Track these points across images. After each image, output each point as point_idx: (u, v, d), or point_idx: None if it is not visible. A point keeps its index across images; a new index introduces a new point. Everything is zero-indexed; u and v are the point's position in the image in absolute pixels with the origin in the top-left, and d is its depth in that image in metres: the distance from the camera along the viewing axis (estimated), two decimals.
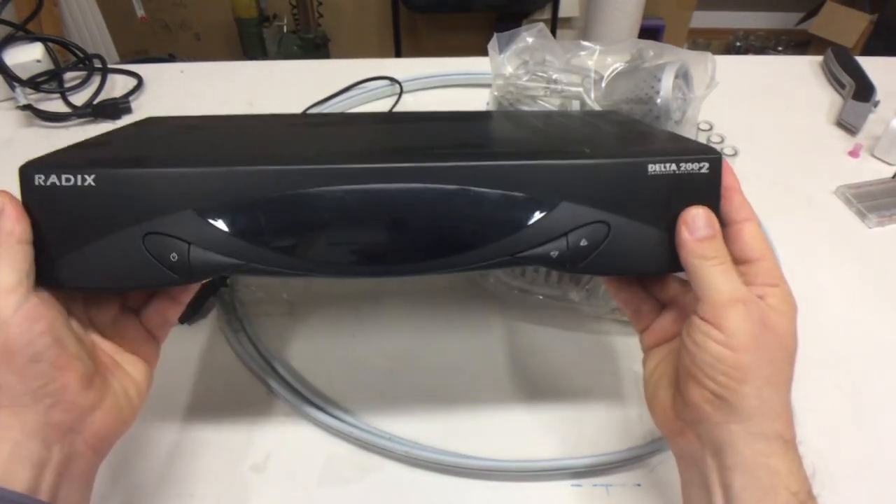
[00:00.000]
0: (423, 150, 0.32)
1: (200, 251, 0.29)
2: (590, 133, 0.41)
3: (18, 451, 0.27)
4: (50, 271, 0.29)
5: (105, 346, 0.32)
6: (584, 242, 0.30)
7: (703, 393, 0.28)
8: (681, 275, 0.31)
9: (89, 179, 0.28)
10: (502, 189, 0.29)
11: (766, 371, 0.27)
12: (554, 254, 0.30)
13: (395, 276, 0.30)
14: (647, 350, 0.35)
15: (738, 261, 0.30)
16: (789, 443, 0.27)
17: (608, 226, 0.30)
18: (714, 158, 0.30)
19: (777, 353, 0.28)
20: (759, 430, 0.27)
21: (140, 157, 0.31)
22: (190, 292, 0.35)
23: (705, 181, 0.30)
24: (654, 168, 0.30)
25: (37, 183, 0.28)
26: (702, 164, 0.30)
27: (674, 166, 0.30)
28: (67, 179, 0.28)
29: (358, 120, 0.51)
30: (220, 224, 0.29)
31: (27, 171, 0.28)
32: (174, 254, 0.29)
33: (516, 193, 0.30)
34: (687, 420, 0.30)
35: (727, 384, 0.27)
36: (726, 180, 0.30)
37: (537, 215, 0.30)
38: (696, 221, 0.29)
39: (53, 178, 0.28)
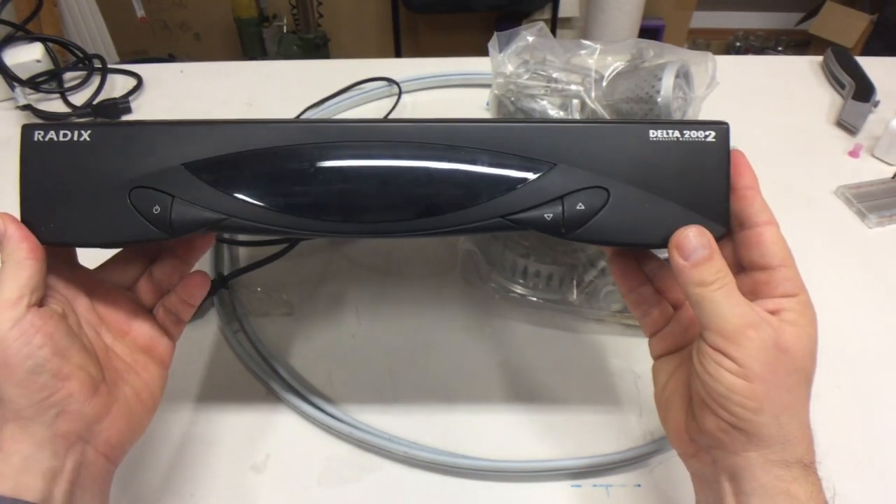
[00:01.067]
0: (415, 119, 0.32)
1: (183, 204, 0.29)
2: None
3: (29, 462, 0.27)
4: (46, 228, 0.29)
5: (118, 348, 0.32)
6: (580, 207, 0.29)
7: (718, 423, 0.27)
8: None
9: (85, 135, 0.29)
10: (496, 150, 0.29)
11: (784, 398, 0.26)
12: (548, 216, 0.29)
13: (382, 236, 0.30)
14: (655, 357, 0.34)
15: (757, 267, 0.28)
16: (809, 467, 0.26)
17: (607, 192, 0.29)
18: (722, 128, 0.29)
19: (793, 377, 0.26)
20: (778, 457, 0.26)
21: (136, 121, 0.32)
22: (200, 293, 0.35)
23: (713, 150, 0.29)
24: (655, 134, 0.29)
25: (35, 139, 0.29)
26: (708, 133, 0.29)
27: (677, 133, 0.29)
28: (65, 135, 0.29)
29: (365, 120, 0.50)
30: (205, 178, 0.29)
31: (28, 129, 0.29)
32: (157, 206, 0.29)
33: (509, 154, 0.29)
34: (702, 445, 0.29)
35: (743, 415, 0.26)
36: (746, 179, 0.29)
37: (531, 176, 0.29)
38: (688, 244, 0.27)
39: (52, 134, 0.29)
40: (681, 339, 0.32)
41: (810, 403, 0.27)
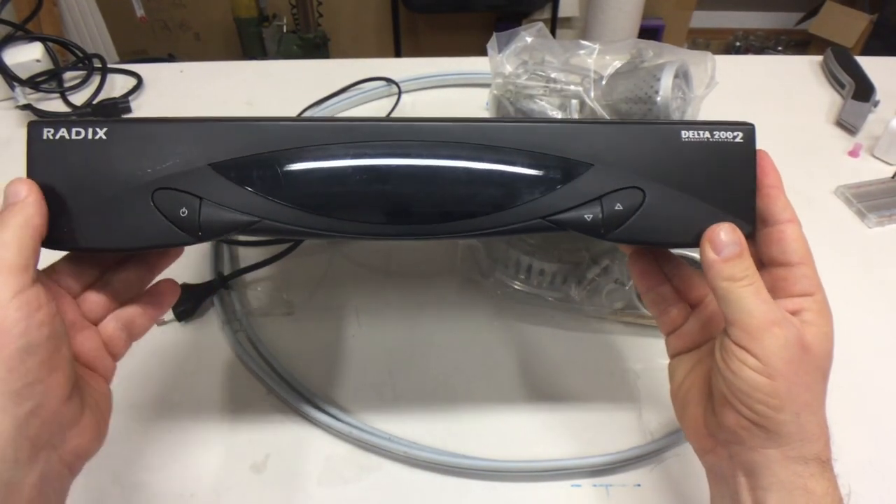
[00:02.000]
0: (450, 118, 0.31)
1: (212, 207, 0.27)
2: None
3: None
4: (56, 233, 0.27)
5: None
6: (618, 207, 0.29)
7: (739, 419, 0.27)
8: None
9: (101, 133, 0.27)
10: (534, 149, 0.29)
11: (804, 396, 0.26)
12: (588, 217, 0.29)
13: (421, 237, 0.29)
14: (672, 355, 0.34)
15: (777, 263, 0.29)
16: (826, 463, 0.27)
17: (643, 192, 0.29)
18: (748, 129, 0.30)
19: (813, 376, 0.27)
20: (796, 454, 0.26)
21: (154, 118, 0.30)
22: (170, 301, 0.33)
23: (740, 151, 0.30)
24: (687, 134, 0.29)
25: (45, 137, 0.27)
26: (735, 133, 0.29)
27: (707, 134, 0.29)
28: (78, 133, 0.27)
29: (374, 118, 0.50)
30: (235, 179, 0.27)
31: (36, 126, 0.27)
32: (184, 209, 0.27)
33: (548, 154, 0.29)
34: (721, 440, 0.29)
35: (764, 412, 0.26)
36: (770, 178, 0.30)
37: (570, 177, 0.29)
38: (720, 238, 0.28)
39: (63, 132, 0.27)
40: (699, 337, 0.33)
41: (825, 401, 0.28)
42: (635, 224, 0.29)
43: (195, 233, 0.28)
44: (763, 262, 0.30)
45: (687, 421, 0.32)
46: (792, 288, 0.28)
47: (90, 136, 0.27)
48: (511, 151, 0.29)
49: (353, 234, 0.29)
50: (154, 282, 0.33)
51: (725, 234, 0.28)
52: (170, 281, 0.34)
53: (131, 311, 0.31)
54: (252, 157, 0.28)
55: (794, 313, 0.28)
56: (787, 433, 0.26)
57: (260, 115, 0.30)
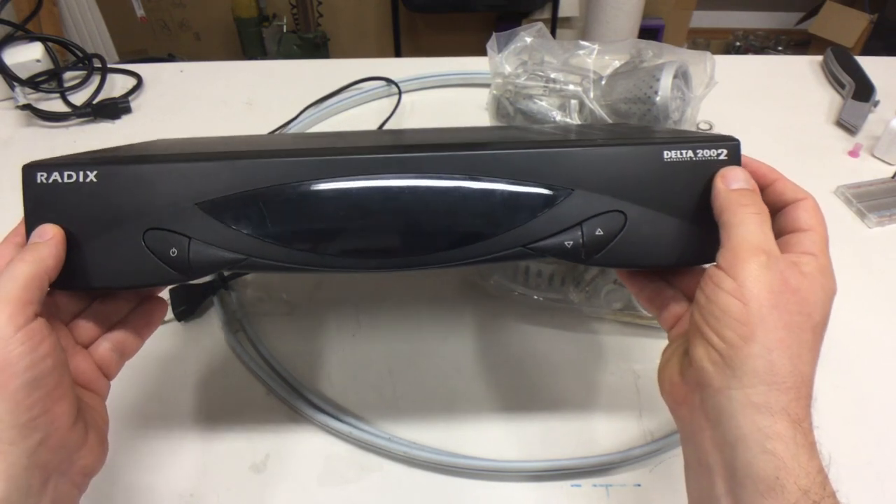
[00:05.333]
0: (432, 145, 0.31)
1: (201, 246, 0.28)
2: (601, 133, 0.40)
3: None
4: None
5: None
6: (599, 232, 0.29)
7: (707, 350, 0.26)
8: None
9: (91, 176, 0.28)
10: (513, 178, 0.29)
11: (779, 333, 0.24)
12: (568, 244, 0.29)
13: (402, 270, 0.30)
14: (672, 340, 0.32)
15: (789, 231, 0.28)
16: (798, 424, 0.24)
17: (624, 215, 0.29)
18: (732, 145, 0.29)
19: (796, 318, 0.25)
20: (762, 399, 0.24)
21: (142, 157, 0.31)
22: (155, 326, 0.34)
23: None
24: (669, 154, 0.29)
25: (39, 181, 0.28)
26: (720, 151, 0.29)
27: (690, 153, 0.29)
28: (69, 176, 0.28)
29: (360, 132, 0.50)
30: (222, 218, 0.28)
31: (29, 170, 0.28)
32: (174, 249, 0.28)
33: (527, 182, 0.29)
34: (691, 383, 0.27)
35: (732, 340, 0.25)
36: (770, 176, 0.30)
37: (549, 204, 0.29)
38: (733, 174, 0.28)
39: (56, 176, 0.28)
40: None
41: (816, 362, 0.26)
42: (616, 248, 0.29)
43: (186, 271, 0.28)
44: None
45: (664, 377, 0.30)
46: (794, 248, 0.27)
47: (81, 180, 0.28)
48: (491, 182, 0.29)
49: (338, 269, 0.29)
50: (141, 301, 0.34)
51: (740, 172, 0.28)
52: (156, 299, 0.34)
53: (121, 334, 0.32)
54: (234, 196, 0.28)
55: (794, 265, 0.26)
56: (753, 369, 0.24)
57: (261, 149, 0.30)
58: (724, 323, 0.25)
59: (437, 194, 0.28)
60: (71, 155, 0.32)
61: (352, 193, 0.28)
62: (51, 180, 0.28)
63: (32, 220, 0.28)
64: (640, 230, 0.29)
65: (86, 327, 0.31)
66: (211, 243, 0.28)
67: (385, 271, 0.30)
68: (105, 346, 0.32)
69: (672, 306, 0.33)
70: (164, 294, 0.34)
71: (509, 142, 0.32)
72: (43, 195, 0.28)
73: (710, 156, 0.29)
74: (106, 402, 0.32)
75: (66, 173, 0.28)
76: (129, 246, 0.28)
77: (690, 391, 0.28)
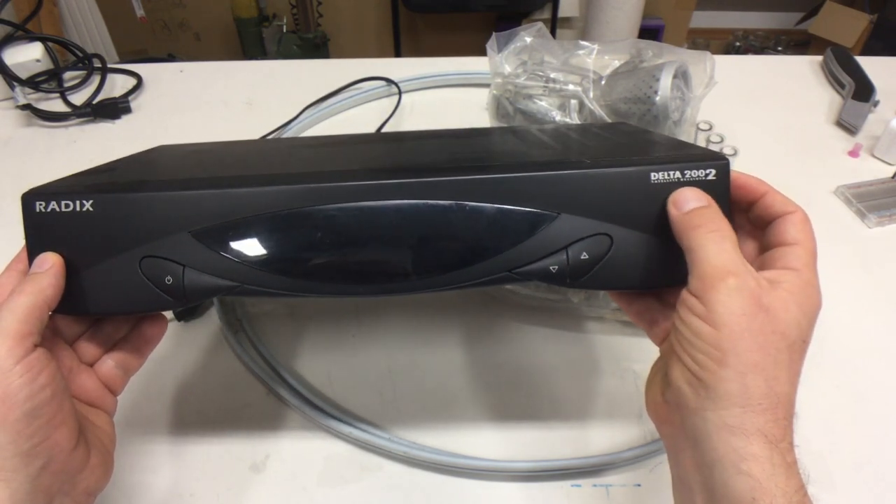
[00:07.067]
0: (418, 167, 0.32)
1: (195, 273, 0.29)
2: (593, 144, 0.40)
3: None
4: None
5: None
6: (584, 256, 0.29)
7: (683, 372, 0.26)
8: None
9: (87, 205, 0.28)
10: (498, 203, 0.29)
11: (753, 356, 0.24)
12: (553, 268, 0.29)
13: (391, 295, 0.30)
14: (661, 356, 0.32)
15: (774, 244, 0.28)
16: (775, 445, 0.24)
17: (610, 238, 0.29)
18: (721, 164, 0.29)
19: (770, 338, 0.24)
20: (736, 422, 0.24)
21: (138, 182, 0.31)
22: (155, 343, 0.34)
23: (713, 188, 0.29)
24: (656, 176, 0.29)
25: (38, 210, 0.29)
26: (708, 171, 0.29)
27: (678, 174, 0.29)
28: (66, 205, 0.28)
29: (353, 140, 0.50)
30: (214, 246, 0.29)
31: (29, 199, 0.29)
32: (169, 276, 0.29)
33: (512, 207, 0.29)
34: (671, 402, 0.27)
35: (706, 364, 0.25)
36: (760, 189, 0.29)
37: (535, 229, 0.29)
38: (682, 196, 0.28)
39: (53, 205, 0.28)
40: None
41: (796, 380, 0.25)
42: (602, 271, 0.29)
43: (181, 298, 0.29)
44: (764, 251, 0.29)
45: (649, 393, 0.30)
46: (777, 263, 0.27)
47: (78, 209, 0.28)
48: (477, 208, 0.29)
49: (328, 294, 0.30)
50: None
51: (690, 193, 0.28)
52: (156, 318, 0.34)
53: (123, 352, 0.33)
54: (227, 224, 0.29)
55: (770, 282, 0.26)
56: (727, 393, 0.24)
57: (252, 174, 0.31)
58: (697, 347, 0.25)
59: (423, 222, 0.29)
60: (70, 178, 0.33)
61: (339, 222, 0.29)
62: (49, 209, 0.28)
63: (33, 247, 0.29)
64: (626, 252, 0.29)
65: (89, 347, 0.32)
66: (204, 271, 0.29)
67: (374, 297, 0.31)
68: (109, 363, 0.32)
69: (661, 322, 0.32)
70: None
71: (497, 164, 0.32)
72: (42, 223, 0.29)
73: (699, 176, 0.29)
74: (114, 417, 0.32)
75: (63, 202, 0.28)
76: (126, 273, 0.29)
77: (671, 411, 0.27)
